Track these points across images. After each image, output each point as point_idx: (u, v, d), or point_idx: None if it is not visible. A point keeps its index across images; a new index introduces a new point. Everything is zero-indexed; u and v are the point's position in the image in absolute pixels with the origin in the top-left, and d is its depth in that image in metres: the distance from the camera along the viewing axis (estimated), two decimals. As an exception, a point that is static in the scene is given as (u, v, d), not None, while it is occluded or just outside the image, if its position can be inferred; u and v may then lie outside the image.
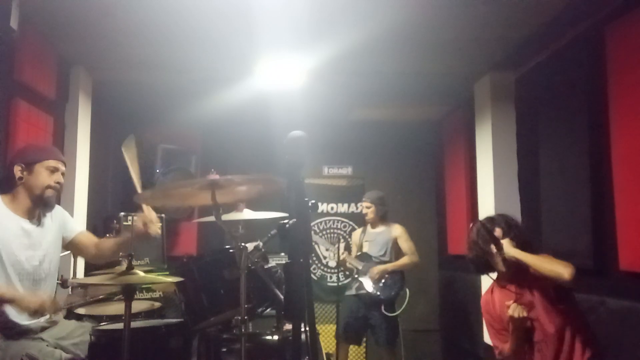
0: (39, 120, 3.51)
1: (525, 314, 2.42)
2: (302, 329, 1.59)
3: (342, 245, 4.54)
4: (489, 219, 2.65)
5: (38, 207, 2.58)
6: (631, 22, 2.82)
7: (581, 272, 3.14)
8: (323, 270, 5.78)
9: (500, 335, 2.60)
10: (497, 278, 2.63)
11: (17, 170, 2.51)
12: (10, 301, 2.33)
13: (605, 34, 3.03)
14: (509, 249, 2.46)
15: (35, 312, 2.33)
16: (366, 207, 4.70)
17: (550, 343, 2.42)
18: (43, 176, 2.54)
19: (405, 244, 4.61)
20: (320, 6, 3.14)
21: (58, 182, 2.59)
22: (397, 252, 4.63)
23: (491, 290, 2.67)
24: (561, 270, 2.32)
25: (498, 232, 2.55)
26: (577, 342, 2.40)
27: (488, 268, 2.61)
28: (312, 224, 5.67)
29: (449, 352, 5.66)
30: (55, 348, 2.40)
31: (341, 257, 4.45)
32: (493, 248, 2.50)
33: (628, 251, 2.79)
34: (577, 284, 2.37)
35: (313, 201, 1.68)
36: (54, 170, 2.58)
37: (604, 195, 3.02)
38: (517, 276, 2.51)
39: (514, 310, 2.42)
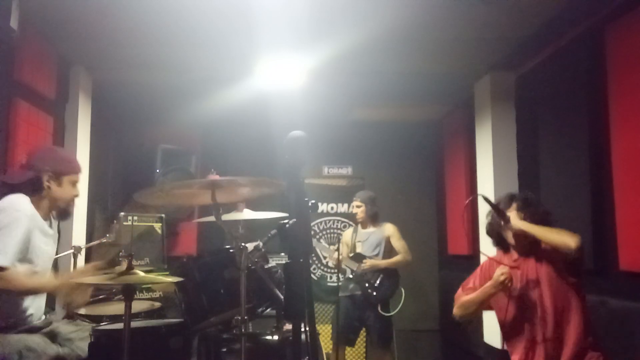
0: (39, 120, 3.51)
1: (509, 284, 2.47)
2: (302, 329, 1.59)
3: (334, 247, 4.53)
4: (510, 195, 2.67)
5: (58, 216, 2.63)
6: (631, 22, 2.82)
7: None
8: (323, 270, 5.78)
9: (473, 289, 2.67)
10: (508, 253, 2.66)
11: (46, 179, 2.50)
12: (54, 291, 2.42)
13: (605, 34, 3.03)
14: (516, 221, 2.48)
15: (69, 297, 2.38)
16: (356, 207, 4.68)
17: (550, 321, 2.44)
18: (69, 189, 2.57)
19: (397, 242, 4.60)
20: (320, 6, 3.15)
21: (76, 195, 2.64)
22: (389, 252, 4.61)
23: (499, 257, 2.71)
24: (567, 239, 2.34)
25: (514, 207, 2.58)
26: (578, 325, 2.41)
27: (503, 242, 2.65)
28: (312, 224, 5.68)
29: (449, 352, 5.66)
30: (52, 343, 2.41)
31: (335, 260, 4.46)
32: (501, 221, 2.54)
33: (628, 251, 2.79)
34: (583, 256, 2.39)
35: (313, 201, 1.68)
36: (75, 183, 2.61)
37: (604, 195, 3.02)
38: (527, 251, 2.53)
39: (501, 274, 2.47)
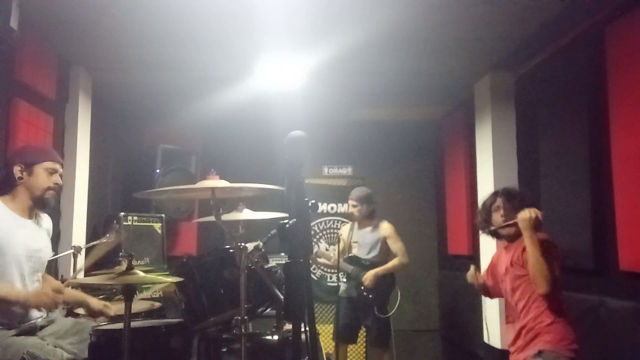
0: (39, 120, 3.51)
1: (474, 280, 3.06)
2: (302, 329, 1.60)
3: (332, 248, 4.54)
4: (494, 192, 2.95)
5: (38, 207, 2.61)
6: (631, 22, 2.82)
7: (581, 272, 3.15)
8: (323, 270, 5.78)
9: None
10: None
11: (17, 171, 2.52)
12: (22, 303, 2.36)
13: (605, 34, 3.03)
14: (526, 225, 2.64)
15: (48, 307, 2.38)
16: (352, 206, 4.65)
17: (513, 305, 2.78)
18: (43, 177, 2.56)
19: (395, 245, 4.54)
20: (320, 6, 3.14)
21: (57, 184, 2.62)
22: (386, 252, 4.56)
23: (502, 249, 3.00)
24: (541, 282, 2.56)
25: (499, 202, 2.86)
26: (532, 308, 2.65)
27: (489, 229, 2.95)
28: (312, 224, 5.68)
29: (448, 352, 5.66)
30: (55, 347, 2.40)
31: (332, 261, 4.46)
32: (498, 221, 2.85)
33: (628, 251, 2.79)
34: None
35: (313, 201, 1.68)
36: (52, 172, 2.60)
37: (604, 195, 3.02)
38: (512, 240, 2.85)
39: (469, 275, 3.08)
